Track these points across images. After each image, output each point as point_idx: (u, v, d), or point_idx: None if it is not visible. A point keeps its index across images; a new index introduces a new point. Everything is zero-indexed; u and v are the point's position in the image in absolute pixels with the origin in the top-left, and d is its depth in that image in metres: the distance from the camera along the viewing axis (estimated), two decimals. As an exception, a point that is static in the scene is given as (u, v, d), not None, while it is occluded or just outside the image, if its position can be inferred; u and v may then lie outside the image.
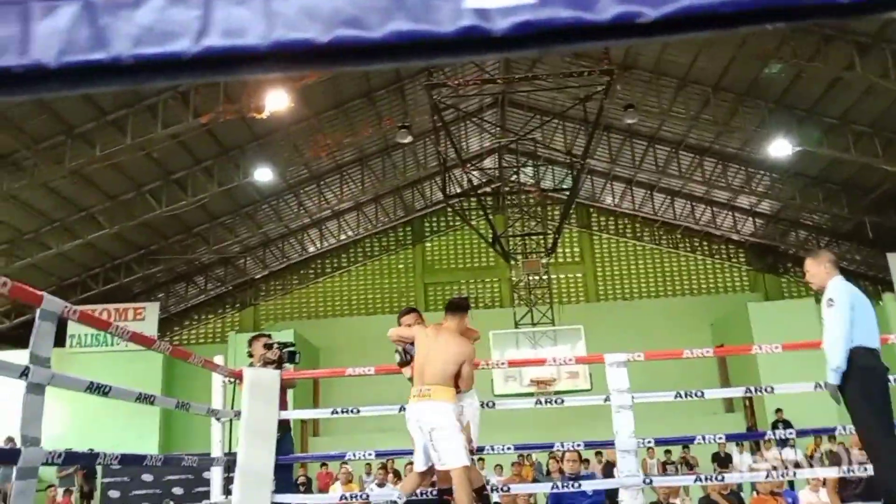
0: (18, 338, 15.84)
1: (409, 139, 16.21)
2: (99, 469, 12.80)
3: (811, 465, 10.88)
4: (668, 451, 13.69)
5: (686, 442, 8.38)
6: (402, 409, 4.67)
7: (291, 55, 0.98)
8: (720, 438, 5.68)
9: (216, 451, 5.20)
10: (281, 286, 22.18)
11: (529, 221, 19.54)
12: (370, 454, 5.82)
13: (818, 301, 18.04)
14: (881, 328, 4.45)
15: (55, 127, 13.21)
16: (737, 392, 10.88)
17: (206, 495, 5.49)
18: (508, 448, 5.64)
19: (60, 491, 12.95)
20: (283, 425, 5.38)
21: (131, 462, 4.50)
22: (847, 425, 5.67)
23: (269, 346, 5.65)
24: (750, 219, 20.42)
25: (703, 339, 18.36)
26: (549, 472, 10.66)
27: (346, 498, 6.52)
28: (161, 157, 15.00)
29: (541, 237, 19.12)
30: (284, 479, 5.28)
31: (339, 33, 0.96)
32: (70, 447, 3.90)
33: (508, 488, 6.06)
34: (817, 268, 4.42)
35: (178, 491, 10.10)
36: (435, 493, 5.29)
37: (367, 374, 5.63)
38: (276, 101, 13.17)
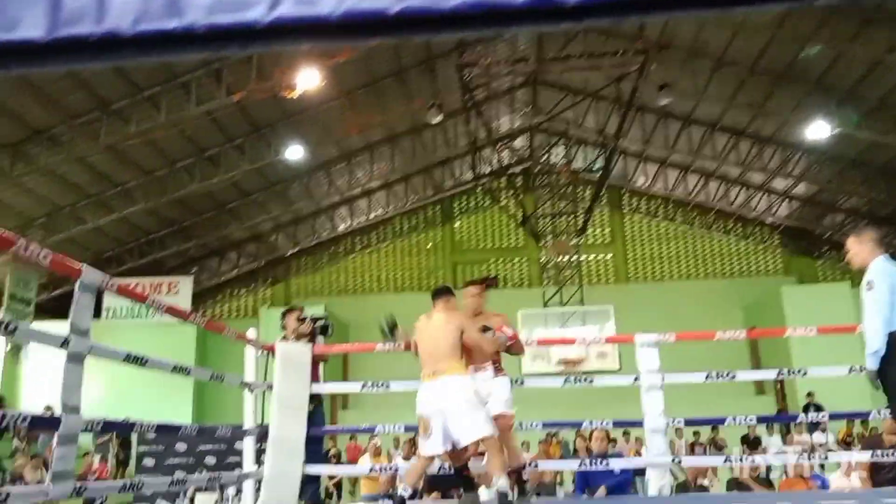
0: (57, 309, 16.24)
1: (439, 118, 16.15)
2: (134, 438, 13.10)
3: (843, 449, 10.76)
4: (696, 433, 13.63)
5: (716, 423, 8.34)
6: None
7: (362, 24, 0.98)
8: (751, 420, 5.62)
9: (248, 423, 5.30)
10: (312, 263, 22.37)
11: (560, 202, 19.41)
12: (399, 428, 5.88)
13: (854, 285, 17.83)
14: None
15: (91, 103, 13.41)
16: (768, 374, 10.78)
17: (238, 465, 5.60)
18: (537, 425, 5.65)
19: (97, 458, 13.29)
20: (315, 398, 5.45)
21: (167, 431, 4.61)
22: (882, 409, 5.60)
23: (301, 320, 5.70)
24: (785, 201, 20.08)
25: (734, 322, 18.16)
26: (575, 451, 10.70)
27: (374, 470, 6.60)
28: (194, 135, 15.17)
29: (571, 218, 19.00)
30: (315, 451, 5.36)
31: (409, 3, 0.96)
32: (105, 417, 4.00)
33: (536, 465, 6.08)
34: (860, 246, 4.25)
35: (210, 460, 10.27)
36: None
37: (397, 349, 5.67)
38: (308, 79, 13.20)
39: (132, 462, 13.55)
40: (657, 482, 5.50)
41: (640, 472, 7.13)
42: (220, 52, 1.09)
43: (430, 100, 15.98)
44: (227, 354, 11.22)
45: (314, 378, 5.49)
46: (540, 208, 19.39)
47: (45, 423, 3.78)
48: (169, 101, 13.57)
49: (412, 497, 4.67)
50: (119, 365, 4.09)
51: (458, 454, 4.78)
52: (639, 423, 5.34)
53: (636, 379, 5.22)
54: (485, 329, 4.73)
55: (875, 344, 3.94)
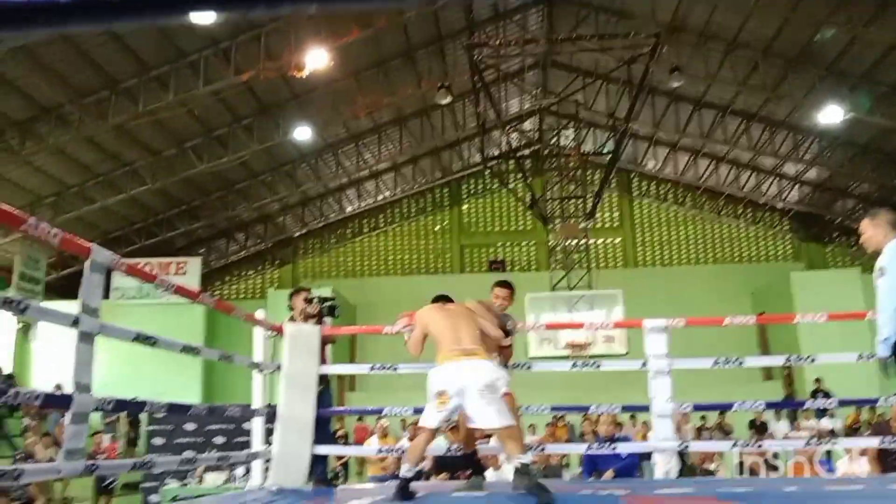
0: (65, 289, 16.32)
1: (448, 100, 16.07)
2: (144, 417, 13.20)
3: (850, 435, 10.75)
4: (703, 417, 13.64)
5: (724, 409, 8.34)
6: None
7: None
8: (758, 406, 5.60)
9: (257, 403, 5.32)
10: (319, 244, 22.40)
11: (568, 185, 19.32)
12: (408, 411, 5.88)
13: (864, 271, 17.69)
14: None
15: (99, 81, 13.39)
16: (776, 361, 10.73)
17: (247, 445, 5.62)
18: (544, 409, 5.64)
19: (106, 437, 13.42)
20: (323, 380, 5.46)
21: (177, 411, 4.63)
22: (890, 396, 5.58)
23: (309, 301, 5.70)
24: (796, 187, 19.95)
25: (743, 307, 18.11)
26: (582, 435, 10.73)
27: (382, 451, 6.63)
28: (202, 115, 15.15)
29: (580, 201, 18.92)
30: (323, 432, 5.38)
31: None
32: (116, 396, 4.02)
33: (543, 448, 6.09)
34: (874, 229, 4.08)
35: (219, 440, 10.37)
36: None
37: (404, 331, 5.67)
38: (317, 59, 13.14)
39: (141, 441, 13.69)
40: (663, 466, 5.51)
41: (648, 455, 7.14)
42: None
43: (439, 81, 15.89)
44: (235, 336, 11.26)
45: (322, 359, 5.49)
46: (549, 191, 19.30)
47: (57, 401, 3.80)
48: (177, 81, 13.54)
49: (416, 478, 4.67)
50: (128, 345, 4.10)
51: (469, 438, 4.78)
52: (646, 409, 5.33)
53: (644, 364, 5.21)
54: (507, 333, 4.81)
55: (887, 331, 3.84)
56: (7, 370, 16.26)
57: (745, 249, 21.54)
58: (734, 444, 5.80)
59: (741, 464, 7.83)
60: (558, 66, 18.39)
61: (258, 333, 5.42)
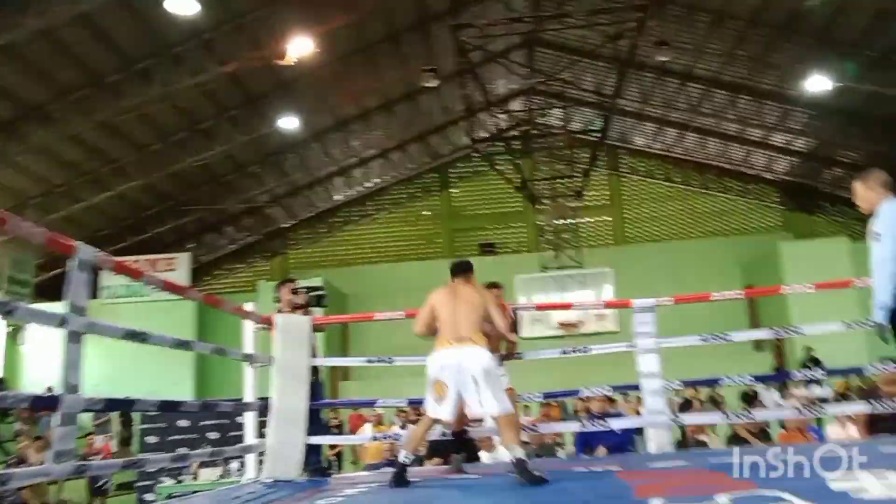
0: (54, 291, 16.22)
1: (434, 83, 15.97)
2: (136, 416, 13.20)
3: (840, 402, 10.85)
4: (695, 390, 13.71)
5: (711, 383, 8.40)
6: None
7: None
8: (748, 379, 5.66)
9: (249, 396, 5.33)
10: (309, 235, 22.35)
11: (557, 165, 19.31)
12: (402, 401, 5.90)
13: (853, 240, 17.67)
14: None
15: (82, 78, 13.27)
16: (763, 334, 10.83)
17: (241, 439, 5.64)
18: (537, 397, 5.70)
19: (99, 438, 13.40)
20: (314, 370, 5.48)
21: (169, 408, 4.64)
22: (877, 364, 5.64)
23: (295, 291, 5.70)
24: (784, 157, 19.97)
25: (733, 279, 18.19)
26: (576, 412, 10.80)
27: (376, 438, 6.66)
28: (187, 108, 15.03)
29: (569, 180, 18.92)
30: (316, 422, 5.40)
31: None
32: (107, 395, 4.02)
33: (536, 427, 6.14)
34: (866, 191, 4.04)
35: (213, 435, 10.40)
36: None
37: (397, 318, 5.68)
38: (301, 46, 13.04)
39: (135, 440, 13.68)
40: (657, 439, 5.55)
41: (640, 430, 7.20)
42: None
43: (425, 64, 15.79)
44: (226, 331, 11.20)
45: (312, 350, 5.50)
46: (537, 172, 19.28)
47: (45, 403, 3.79)
48: (161, 74, 13.42)
49: (413, 464, 4.70)
50: (119, 345, 4.10)
51: (458, 419, 4.81)
52: (636, 387, 5.37)
53: (632, 346, 5.26)
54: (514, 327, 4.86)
55: (882, 297, 3.82)
56: (-3, 375, 16.22)
57: (734, 222, 21.61)
58: (725, 416, 5.86)
59: (735, 434, 7.90)
60: (544, 45, 18.30)
61: (248, 326, 5.43)
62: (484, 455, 6.99)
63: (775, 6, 14.05)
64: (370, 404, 8.64)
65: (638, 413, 6.60)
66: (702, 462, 4.57)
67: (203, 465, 9.48)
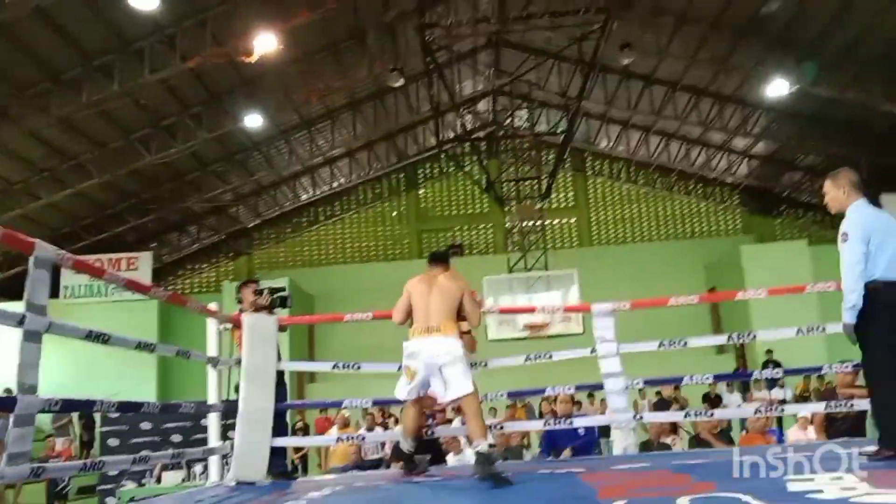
0: (14, 289, 15.85)
1: (400, 82, 15.94)
2: (98, 418, 12.95)
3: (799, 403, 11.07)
4: (658, 393, 13.90)
5: (674, 383, 8.51)
6: (400, 367, 4.67)
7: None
8: (707, 379, 5.74)
9: (213, 398, 5.25)
10: (275, 234, 22.16)
11: (523, 166, 19.41)
12: (367, 402, 5.88)
13: (811, 243, 18.06)
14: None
15: (40, 73, 12.96)
16: (721, 340, 10.99)
17: (205, 441, 5.56)
18: (502, 395, 5.73)
19: (59, 441, 13.11)
20: (277, 372, 5.42)
21: (129, 410, 4.54)
22: (834, 364, 5.75)
23: (259, 293, 5.64)
24: (745, 161, 20.34)
25: (697, 282, 18.49)
26: (541, 415, 10.86)
27: (342, 440, 6.63)
28: (149, 104, 14.75)
29: (535, 182, 19.02)
30: (280, 424, 5.34)
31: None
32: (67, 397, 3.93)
33: (502, 427, 6.15)
34: (836, 190, 4.03)
35: (176, 438, 10.25)
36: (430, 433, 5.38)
37: (365, 319, 5.66)
38: (265, 43, 12.89)
39: (97, 443, 13.42)
40: (622, 442, 5.60)
41: (606, 433, 7.25)
42: None
43: (391, 63, 15.74)
44: (190, 331, 11.06)
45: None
46: (504, 173, 19.36)
47: (1, 405, 3.68)
48: (122, 70, 13.15)
49: (421, 450, 4.75)
50: (80, 345, 4.00)
51: (417, 424, 4.83)
52: (600, 387, 5.42)
53: (593, 350, 5.32)
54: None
55: (852, 298, 3.83)
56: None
57: (698, 224, 21.95)
58: (686, 415, 5.93)
59: (697, 436, 8.01)
60: (510, 46, 18.37)
61: (211, 326, 5.35)
62: (450, 457, 6.99)
63: (735, 9, 14.29)
64: (336, 405, 8.58)
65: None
66: (665, 464, 4.63)
67: (166, 468, 9.34)
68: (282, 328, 5.54)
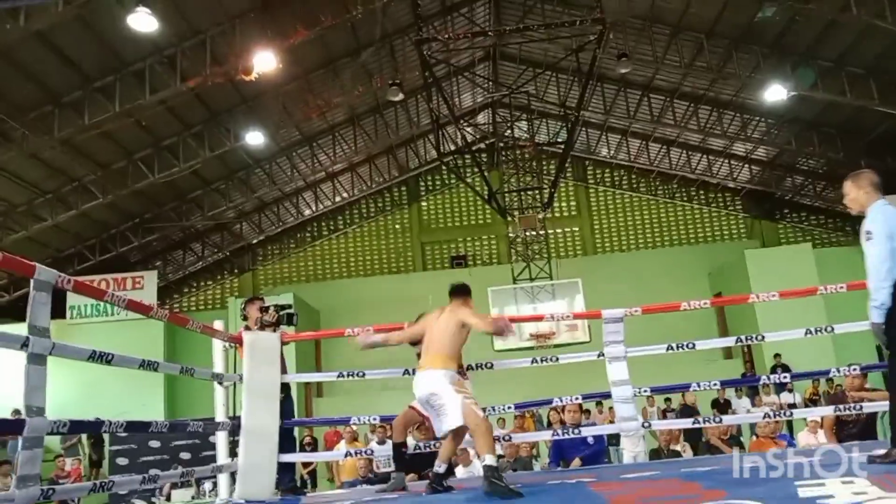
0: (19, 311, 15.90)
1: (400, 96, 16.01)
2: (107, 437, 12.93)
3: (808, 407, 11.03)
4: (667, 399, 13.86)
5: (681, 389, 8.48)
6: (406, 372, 4.71)
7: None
8: (715, 385, 5.70)
9: (220, 416, 5.25)
10: (278, 250, 22.18)
11: (525, 177, 19.44)
12: (374, 418, 5.86)
13: (816, 246, 18.05)
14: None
15: (42, 96, 13.05)
16: (729, 342, 10.97)
17: (214, 459, 5.55)
18: (509, 407, 5.71)
19: (68, 461, 13.10)
20: (284, 387, 5.42)
21: (137, 429, 4.54)
22: (843, 368, 5.73)
23: (264, 310, 5.63)
24: (746, 166, 20.36)
25: (701, 287, 18.47)
26: (549, 424, 10.82)
27: (350, 454, 6.60)
28: (150, 124, 14.84)
29: (537, 192, 19.04)
30: (287, 440, 5.33)
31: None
32: (75, 417, 3.92)
33: (510, 437, 6.13)
34: (857, 191, 4.00)
35: (185, 455, 10.24)
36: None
37: (384, 342, 5.65)
38: (264, 62, 12.97)
39: (106, 462, 13.40)
40: (631, 451, 5.59)
41: (615, 442, 7.24)
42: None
43: (390, 78, 15.82)
44: (197, 348, 11.11)
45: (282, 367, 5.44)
46: (505, 184, 19.38)
47: (8, 427, 3.67)
48: (122, 91, 13.24)
49: (447, 473, 4.72)
50: (87, 365, 4.01)
51: (400, 430, 4.88)
52: (609, 395, 5.40)
53: (601, 354, 5.29)
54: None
55: (879, 297, 3.79)
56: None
57: (701, 230, 21.93)
58: (694, 422, 5.90)
59: (707, 442, 7.98)
60: (508, 59, 18.47)
61: (216, 344, 5.35)
62: (460, 469, 6.96)
63: (730, 18, 14.38)
64: (344, 421, 8.56)
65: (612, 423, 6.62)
66: (674, 472, 4.60)
67: (175, 486, 9.32)
68: (283, 343, 5.53)
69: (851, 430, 6.02)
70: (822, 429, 6.71)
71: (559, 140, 18.57)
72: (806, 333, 5.07)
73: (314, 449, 12.33)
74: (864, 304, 3.93)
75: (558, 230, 21.54)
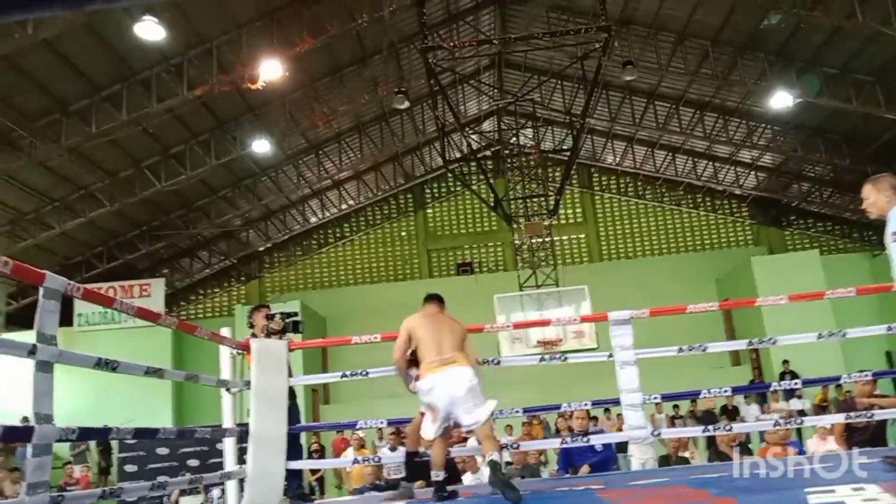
0: (27, 319, 15.94)
1: (406, 104, 16.05)
2: (115, 444, 12.95)
3: (818, 414, 10.96)
4: (676, 406, 13.80)
5: (691, 396, 8.43)
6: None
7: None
8: (725, 391, 5.68)
9: (227, 422, 5.24)
10: (285, 258, 22.23)
11: (530, 184, 19.45)
12: (382, 422, 5.85)
13: (823, 252, 17.99)
14: (875, 282, 4.12)
15: (49, 105, 13.12)
16: (740, 345, 10.92)
17: (221, 465, 5.55)
18: (517, 411, 5.68)
19: (77, 468, 13.13)
20: (290, 394, 5.41)
21: (145, 436, 4.55)
22: (853, 374, 5.70)
23: (271, 317, 5.63)
24: (752, 173, 20.32)
25: (708, 294, 18.38)
26: (558, 431, 10.78)
27: (357, 461, 6.59)
28: (157, 133, 14.91)
29: (542, 199, 19.05)
30: (294, 446, 5.33)
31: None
32: (83, 424, 3.93)
33: (518, 445, 6.11)
34: (877, 194, 3.94)
35: (193, 462, 10.25)
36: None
37: (374, 341, 5.64)
38: (271, 70, 13.03)
39: (114, 469, 13.41)
40: (640, 457, 5.55)
41: (623, 449, 7.20)
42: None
43: (395, 86, 15.87)
44: (204, 354, 11.08)
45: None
46: (511, 191, 19.40)
47: (18, 434, 3.69)
48: (129, 100, 13.31)
49: (448, 481, 4.71)
50: (96, 371, 4.02)
51: (416, 438, 4.84)
52: (617, 402, 5.37)
53: (610, 356, 5.25)
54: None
55: None
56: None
57: (707, 237, 21.88)
58: (704, 430, 5.87)
59: (716, 449, 7.92)
60: (513, 66, 18.51)
61: (224, 351, 5.35)
62: (467, 476, 6.94)
63: (735, 25, 14.39)
64: (350, 426, 8.55)
65: (621, 430, 6.59)
66: (683, 479, 4.57)
67: (183, 492, 9.32)
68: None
69: (862, 436, 5.99)
70: (833, 435, 6.67)
71: (565, 147, 18.59)
72: (819, 338, 5.04)
73: (322, 456, 12.33)
74: (873, 311, 3.91)
75: (564, 237, 21.52)
